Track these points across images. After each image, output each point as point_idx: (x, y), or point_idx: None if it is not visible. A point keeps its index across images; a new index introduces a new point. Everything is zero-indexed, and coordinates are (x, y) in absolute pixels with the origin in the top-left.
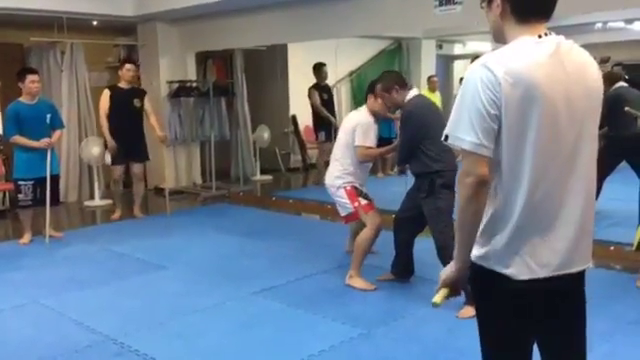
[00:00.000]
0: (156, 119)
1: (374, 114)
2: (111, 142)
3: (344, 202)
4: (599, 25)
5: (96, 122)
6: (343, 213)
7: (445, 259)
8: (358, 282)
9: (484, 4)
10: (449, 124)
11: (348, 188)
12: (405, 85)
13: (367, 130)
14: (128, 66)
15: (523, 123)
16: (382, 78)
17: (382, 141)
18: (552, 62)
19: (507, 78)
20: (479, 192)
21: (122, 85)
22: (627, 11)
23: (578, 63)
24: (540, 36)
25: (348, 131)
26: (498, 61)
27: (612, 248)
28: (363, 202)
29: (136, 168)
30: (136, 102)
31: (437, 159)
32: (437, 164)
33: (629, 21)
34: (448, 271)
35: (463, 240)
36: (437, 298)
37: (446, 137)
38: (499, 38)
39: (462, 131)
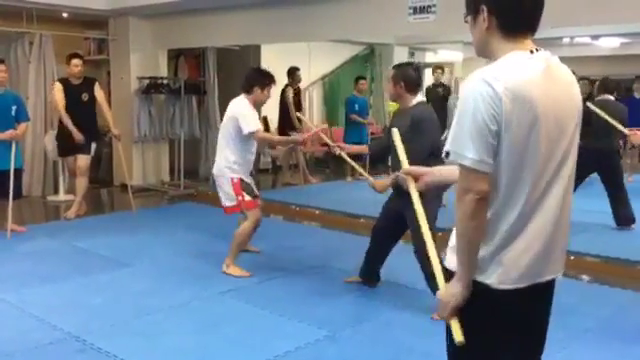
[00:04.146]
0: (108, 112)
1: (254, 104)
2: (78, 135)
3: (230, 193)
4: (567, 40)
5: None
6: (227, 204)
7: (421, 261)
8: (235, 270)
9: (468, 18)
10: (450, 140)
11: (235, 181)
12: (413, 88)
13: (250, 112)
14: (75, 61)
15: (523, 139)
16: (400, 66)
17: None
18: (545, 79)
19: (507, 94)
20: (480, 208)
21: (72, 80)
22: (593, 27)
23: (565, 81)
24: (532, 52)
25: (230, 120)
26: (497, 76)
27: (572, 258)
28: (247, 198)
29: (79, 160)
30: (84, 97)
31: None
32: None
33: (595, 37)
34: (457, 295)
35: (466, 258)
36: (459, 335)
37: (447, 154)
38: (483, 52)
39: (463, 148)
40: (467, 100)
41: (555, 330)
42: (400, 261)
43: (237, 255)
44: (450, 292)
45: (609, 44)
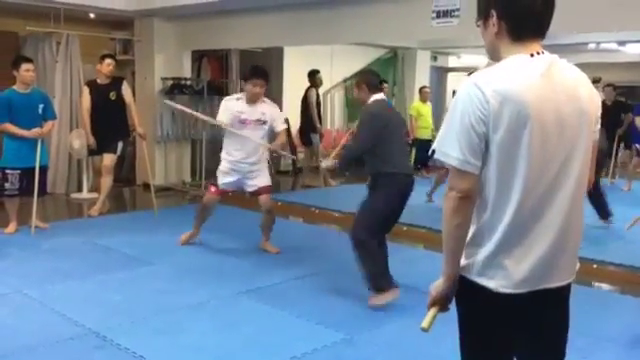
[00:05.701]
0: (135, 111)
1: (247, 97)
2: (91, 139)
3: None
4: (592, 45)
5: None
6: None
7: (356, 250)
8: (183, 236)
9: (480, 23)
10: (437, 139)
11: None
12: (373, 88)
13: (223, 108)
14: (108, 61)
15: (513, 141)
16: (360, 72)
17: None
18: (542, 81)
19: (496, 96)
20: (462, 206)
21: (100, 80)
22: (620, 33)
23: (570, 83)
24: (532, 55)
25: None
26: (488, 80)
27: (595, 266)
28: (212, 187)
29: (105, 159)
30: (112, 95)
31: (387, 161)
32: (385, 166)
33: (622, 43)
34: (438, 287)
35: (449, 252)
36: (426, 322)
37: (433, 152)
38: (494, 56)
39: (449, 147)
40: (457, 103)
41: (577, 338)
42: (418, 267)
43: (197, 228)
44: (435, 284)
45: (636, 50)
